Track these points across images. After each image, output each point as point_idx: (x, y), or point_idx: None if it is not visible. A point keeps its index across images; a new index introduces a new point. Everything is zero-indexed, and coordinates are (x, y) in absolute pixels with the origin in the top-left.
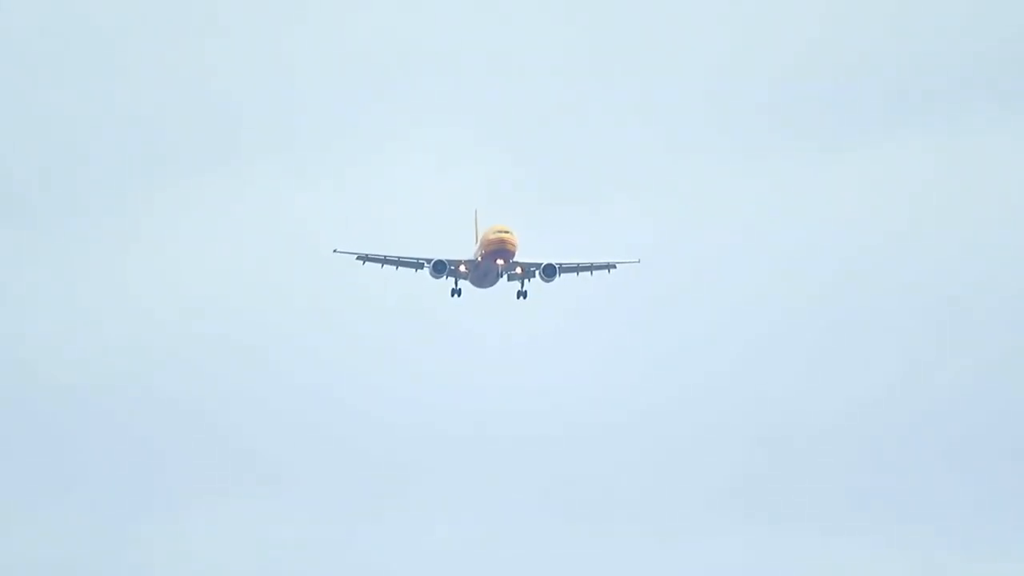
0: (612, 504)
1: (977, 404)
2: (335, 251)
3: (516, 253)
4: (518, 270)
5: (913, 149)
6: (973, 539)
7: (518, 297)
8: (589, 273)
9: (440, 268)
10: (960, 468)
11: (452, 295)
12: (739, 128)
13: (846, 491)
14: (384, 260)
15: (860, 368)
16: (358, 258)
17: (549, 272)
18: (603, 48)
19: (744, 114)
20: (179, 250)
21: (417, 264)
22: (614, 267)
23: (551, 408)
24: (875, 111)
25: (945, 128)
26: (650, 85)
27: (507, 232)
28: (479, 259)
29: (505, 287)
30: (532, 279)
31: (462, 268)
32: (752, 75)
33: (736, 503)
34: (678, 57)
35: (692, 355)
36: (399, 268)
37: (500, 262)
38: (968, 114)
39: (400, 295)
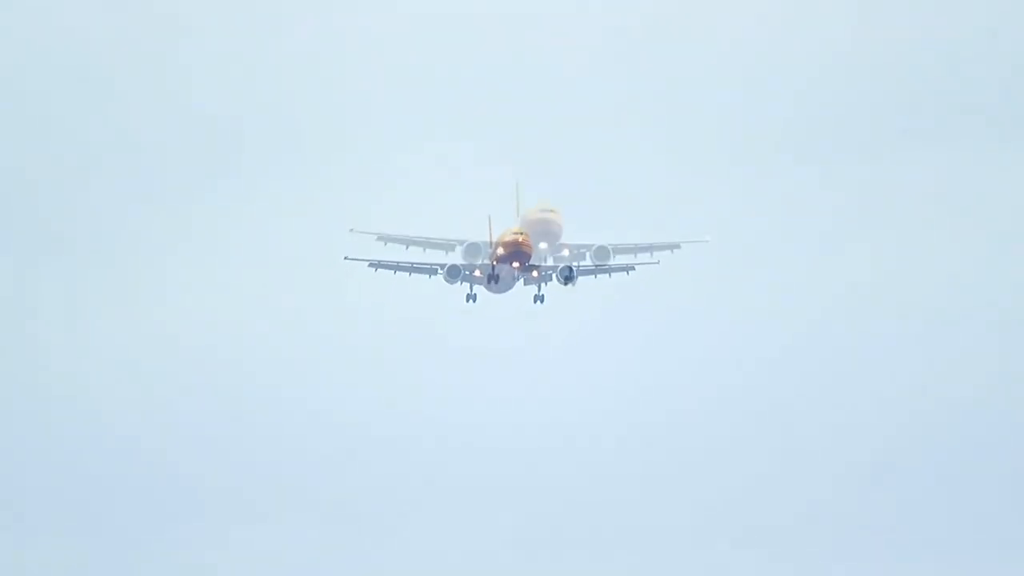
0: (624, 514)
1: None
2: (346, 258)
3: (532, 256)
4: (534, 274)
5: (919, 171)
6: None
7: (535, 302)
8: (608, 276)
9: (455, 273)
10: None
11: (467, 300)
12: (752, 144)
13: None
14: (397, 266)
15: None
16: (370, 265)
17: (566, 275)
18: (618, 64)
19: (757, 132)
20: (188, 264)
21: (431, 269)
22: (632, 269)
23: (569, 417)
24: (885, 133)
25: (953, 149)
26: (663, 101)
27: (523, 234)
28: (494, 263)
29: (521, 291)
30: (549, 283)
31: (477, 273)
32: (765, 96)
33: (752, 516)
34: (693, 73)
35: (708, 363)
36: (412, 274)
37: (516, 265)
38: (979, 137)
39: (413, 301)
